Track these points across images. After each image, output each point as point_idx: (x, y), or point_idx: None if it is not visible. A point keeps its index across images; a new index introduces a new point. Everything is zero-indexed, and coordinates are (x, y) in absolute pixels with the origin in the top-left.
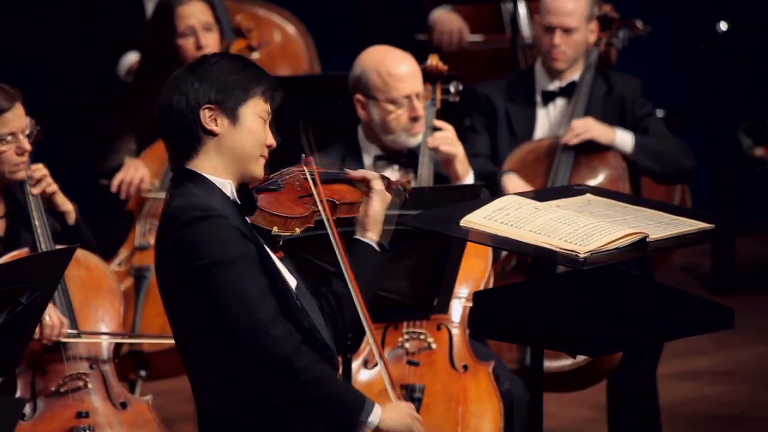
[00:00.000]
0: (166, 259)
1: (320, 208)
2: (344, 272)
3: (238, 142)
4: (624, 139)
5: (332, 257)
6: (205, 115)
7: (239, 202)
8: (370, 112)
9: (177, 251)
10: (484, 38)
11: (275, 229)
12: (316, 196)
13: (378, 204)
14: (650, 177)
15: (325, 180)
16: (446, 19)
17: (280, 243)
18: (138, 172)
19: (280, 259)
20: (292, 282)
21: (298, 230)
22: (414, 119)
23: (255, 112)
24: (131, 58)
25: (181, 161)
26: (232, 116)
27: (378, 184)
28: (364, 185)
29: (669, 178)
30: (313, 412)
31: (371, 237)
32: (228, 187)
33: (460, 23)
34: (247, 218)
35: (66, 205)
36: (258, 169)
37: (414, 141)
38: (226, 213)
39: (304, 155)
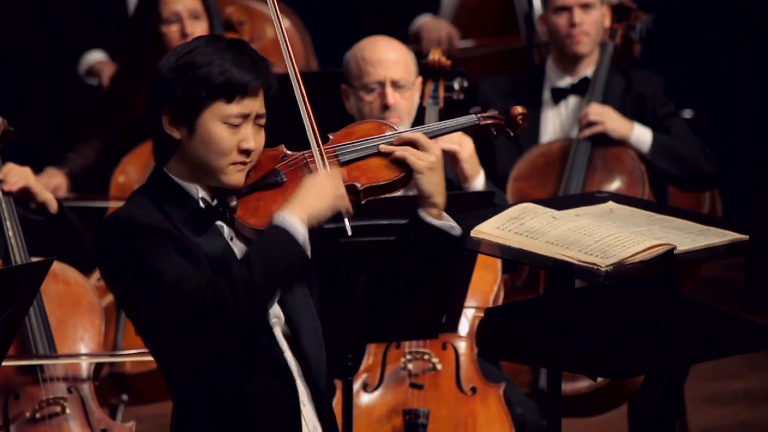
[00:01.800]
0: (103, 267)
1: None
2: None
3: (198, 153)
4: (641, 135)
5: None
6: (166, 121)
7: (211, 206)
8: (351, 103)
9: (102, 265)
10: (476, 43)
11: None
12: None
13: (429, 176)
14: (669, 181)
15: (351, 158)
16: (433, 27)
17: None
18: (53, 181)
19: None
20: None
21: None
22: (385, 107)
23: (216, 118)
24: (93, 56)
25: (158, 161)
26: (189, 125)
27: (421, 158)
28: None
29: (688, 183)
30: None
31: (431, 213)
32: (194, 191)
33: (450, 29)
34: (223, 225)
35: (44, 194)
36: (231, 179)
37: None
38: (167, 226)
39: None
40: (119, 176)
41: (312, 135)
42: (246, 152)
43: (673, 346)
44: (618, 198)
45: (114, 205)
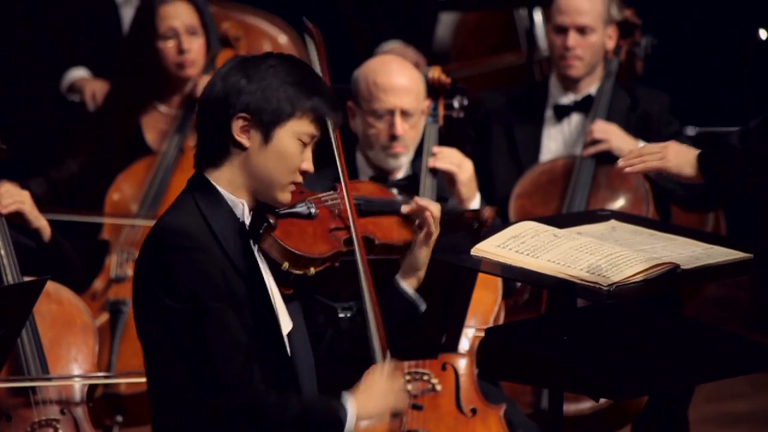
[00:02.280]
0: (141, 276)
1: (356, 247)
2: (368, 320)
3: (266, 165)
4: None
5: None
6: (237, 125)
7: (248, 225)
8: (356, 122)
9: (152, 276)
10: (476, 61)
11: (286, 265)
12: (353, 235)
13: (426, 250)
14: (673, 201)
15: (370, 211)
16: (400, 54)
17: (291, 279)
18: None
19: (287, 296)
20: (286, 326)
21: (313, 270)
22: (393, 137)
23: (294, 134)
24: (75, 73)
25: (202, 166)
26: (266, 134)
27: (435, 228)
28: (419, 221)
29: (693, 203)
30: None
31: (410, 284)
32: (240, 207)
33: (416, 57)
34: (256, 245)
35: (39, 220)
36: (283, 197)
37: (394, 162)
38: (215, 244)
39: (340, 181)
40: (114, 194)
41: (346, 194)
42: (304, 174)
43: (676, 366)
44: (620, 216)
45: (108, 221)
